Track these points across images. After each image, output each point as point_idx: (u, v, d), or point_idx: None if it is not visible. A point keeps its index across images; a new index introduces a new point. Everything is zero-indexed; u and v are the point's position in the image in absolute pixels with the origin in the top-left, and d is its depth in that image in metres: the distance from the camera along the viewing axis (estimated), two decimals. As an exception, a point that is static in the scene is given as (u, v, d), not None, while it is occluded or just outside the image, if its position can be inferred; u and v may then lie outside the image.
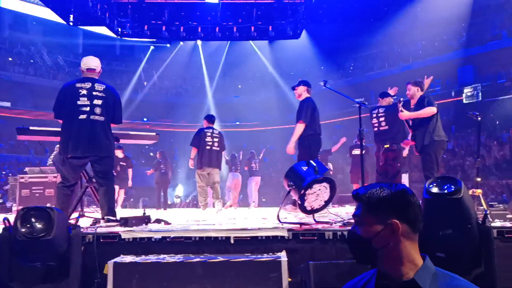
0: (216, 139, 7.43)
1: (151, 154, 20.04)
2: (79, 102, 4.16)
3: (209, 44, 23.28)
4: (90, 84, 4.28)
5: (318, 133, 5.75)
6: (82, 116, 4.15)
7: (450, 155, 16.89)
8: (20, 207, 3.78)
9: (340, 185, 17.83)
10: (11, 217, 2.95)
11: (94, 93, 4.24)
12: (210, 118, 7.73)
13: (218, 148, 7.46)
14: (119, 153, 9.76)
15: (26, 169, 8.45)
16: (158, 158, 11.21)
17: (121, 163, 10.04)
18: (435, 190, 2.67)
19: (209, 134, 7.44)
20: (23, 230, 2.68)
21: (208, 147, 7.33)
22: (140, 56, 26.18)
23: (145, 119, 25.38)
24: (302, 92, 5.85)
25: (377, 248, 1.43)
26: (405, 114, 5.21)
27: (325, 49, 22.57)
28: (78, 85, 4.26)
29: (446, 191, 2.63)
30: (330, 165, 11.99)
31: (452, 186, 2.60)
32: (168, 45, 24.58)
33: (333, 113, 22.57)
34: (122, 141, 4.84)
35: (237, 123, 25.78)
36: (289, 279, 3.04)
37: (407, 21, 20.15)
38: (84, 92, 4.22)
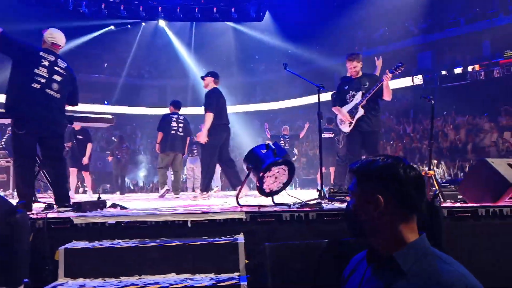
0: (181, 125, 7.72)
1: (114, 138, 19.52)
2: (36, 71, 3.90)
3: (173, 26, 22.74)
4: (54, 58, 4.06)
5: (224, 123, 6.01)
6: (36, 85, 3.89)
7: (409, 139, 17.43)
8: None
9: (304, 168, 18.11)
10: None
11: (55, 68, 4.04)
12: (176, 104, 7.97)
13: (182, 134, 7.69)
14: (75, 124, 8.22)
15: (-22, 153, 8.04)
16: (116, 143, 10.96)
17: (78, 136, 8.16)
18: None
19: (174, 119, 7.67)
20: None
21: (173, 132, 7.56)
22: (99, 36, 25.23)
23: (105, 102, 24.61)
24: (209, 82, 6.16)
25: (362, 222, 1.40)
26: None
27: (290, 34, 22.54)
28: (42, 54, 4.01)
29: None
30: (295, 150, 12.12)
31: None
32: (128, 26, 23.79)
33: (297, 98, 22.74)
34: (75, 123, 4.65)
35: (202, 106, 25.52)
36: (246, 261, 3.05)
37: (371, 7, 20.44)
38: (46, 63, 3.98)
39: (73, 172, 7.93)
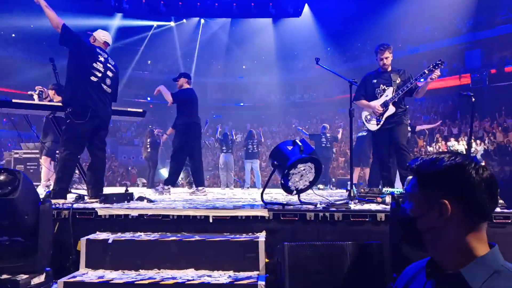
0: None
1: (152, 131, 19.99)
2: (94, 65, 4.13)
3: (212, 23, 22.93)
4: (106, 55, 4.33)
5: (194, 121, 6.18)
6: (94, 79, 4.10)
7: (455, 139, 16.67)
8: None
9: (343, 168, 17.71)
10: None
11: (108, 64, 4.28)
12: None
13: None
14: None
15: (21, 144, 8.39)
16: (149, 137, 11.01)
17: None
18: None
19: None
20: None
21: None
22: (143, 35, 25.83)
23: (148, 98, 25.20)
24: (183, 83, 6.34)
25: (422, 231, 1.20)
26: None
27: (331, 31, 22.15)
28: (98, 50, 4.27)
29: None
30: (334, 149, 11.84)
31: None
32: (172, 23, 24.22)
33: (337, 97, 22.33)
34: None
35: (241, 104, 25.58)
36: (266, 260, 2.96)
37: (416, 3, 19.71)
38: (102, 59, 4.22)
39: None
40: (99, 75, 4.13)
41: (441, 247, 1.17)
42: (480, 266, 1.11)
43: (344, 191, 8.39)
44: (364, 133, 8.55)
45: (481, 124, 16.57)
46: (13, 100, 4.34)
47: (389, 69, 4.86)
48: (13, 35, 22.89)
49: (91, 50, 4.18)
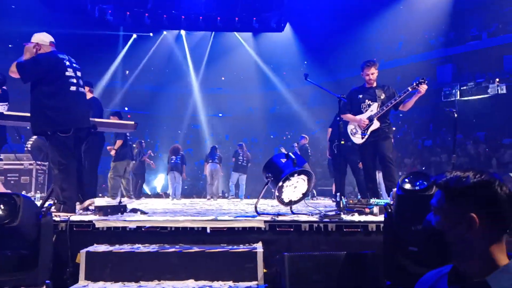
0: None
1: (134, 145, 19.79)
2: (67, 73, 3.93)
3: (192, 35, 23.03)
4: (67, 56, 4.08)
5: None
6: (73, 88, 3.95)
7: (428, 152, 17.19)
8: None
9: (320, 178, 17.98)
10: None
11: (74, 65, 4.08)
12: (119, 115, 7.81)
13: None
14: None
15: (1, 155, 8.22)
16: (136, 148, 11.01)
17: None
18: (407, 186, 2.69)
19: None
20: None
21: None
22: (122, 44, 25.64)
23: (126, 108, 24.94)
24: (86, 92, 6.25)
25: (450, 242, 1.30)
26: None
27: (309, 45, 22.57)
28: (60, 56, 4.00)
29: (418, 187, 2.64)
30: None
31: (425, 182, 2.62)
32: (151, 34, 24.17)
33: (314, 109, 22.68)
34: (100, 129, 4.74)
35: (220, 115, 25.64)
36: (264, 270, 3.05)
37: (390, 19, 20.35)
38: (68, 63, 4.00)
39: None
40: (74, 81, 3.99)
41: (468, 257, 1.27)
42: (504, 274, 1.21)
43: (326, 201, 8.59)
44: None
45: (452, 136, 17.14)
46: (5, 113, 4.32)
47: (374, 84, 5.04)
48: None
49: (57, 60, 3.93)
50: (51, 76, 3.84)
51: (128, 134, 7.98)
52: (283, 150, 11.65)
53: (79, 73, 4.10)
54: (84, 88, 4.19)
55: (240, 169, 11.49)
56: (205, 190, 12.15)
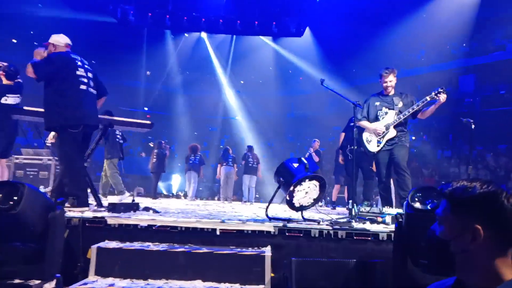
0: (120, 132, 8.12)
1: (151, 144, 20.00)
2: (78, 72, 4.07)
3: (212, 38, 23.20)
4: (79, 57, 4.23)
5: None
6: (83, 87, 4.09)
7: (447, 163, 16.91)
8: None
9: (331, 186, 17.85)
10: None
11: (85, 65, 4.22)
12: (110, 113, 7.77)
13: (121, 141, 8.15)
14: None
15: (22, 150, 8.43)
16: (156, 148, 11.06)
17: None
18: (417, 205, 2.63)
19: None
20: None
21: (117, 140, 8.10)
22: (143, 45, 26.01)
23: (145, 108, 25.23)
24: None
25: (454, 253, 1.27)
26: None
27: (328, 50, 22.51)
28: (73, 55, 4.16)
29: (429, 207, 2.58)
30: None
31: (435, 201, 2.57)
32: (172, 36, 24.46)
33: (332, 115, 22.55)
34: (115, 127, 4.81)
35: (237, 117, 25.72)
36: (272, 274, 3.04)
37: (412, 26, 20.13)
38: (79, 63, 4.15)
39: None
40: (85, 80, 4.12)
41: (471, 270, 1.24)
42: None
43: (330, 208, 8.50)
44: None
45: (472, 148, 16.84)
46: (24, 108, 4.43)
47: (392, 92, 4.98)
48: None
49: (68, 60, 4.08)
50: (62, 74, 3.99)
51: (118, 133, 7.84)
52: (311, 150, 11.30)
53: (90, 74, 4.24)
54: (94, 90, 4.26)
55: (251, 171, 11.46)
56: (219, 193, 12.19)
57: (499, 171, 14.89)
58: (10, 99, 5.27)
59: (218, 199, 12.11)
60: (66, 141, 4.01)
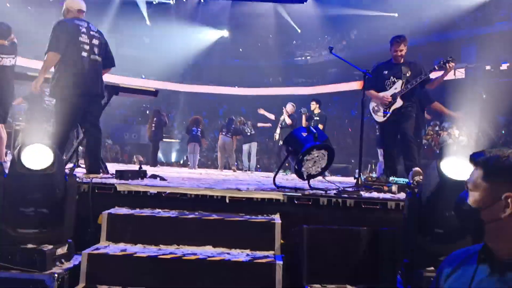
0: None
1: (147, 112, 19.94)
2: (80, 39, 4.02)
3: (211, 4, 22.77)
4: (86, 24, 4.16)
5: None
6: (84, 54, 4.03)
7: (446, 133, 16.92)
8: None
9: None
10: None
11: (91, 32, 4.14)
12: None
13: None
14: None
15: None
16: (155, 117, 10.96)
17: None
18: (449, 173, 2.58)
19: None
20: (25, 163, 2.65)
21: None
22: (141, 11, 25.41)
23: (143, 76, 24.94)
24: None
25: (484, 221, 1.29)
26: None
27: (330, 18, 22.14)
28: (77, 22, 4.10)
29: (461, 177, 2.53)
30: None
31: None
32: (172, 1, 23.92)
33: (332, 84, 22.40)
34: (120, 94, 4.76)
35: (236, 87, 25.48)
36: (282, 241, 3.08)
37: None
38: (84, 30, 4.08)
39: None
40: (88, 48, 4.06)
41: (500, 237, 1.26)
42: None
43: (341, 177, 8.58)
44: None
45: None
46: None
47: (402, 61, 4.90)
48: None
49: (72, 26, 4.04)
50: (64, 41, 3.95)
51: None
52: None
53: (96, 41, 4.15)
54: (99, 57, 4.18)
55: (250, 139, 11.30)
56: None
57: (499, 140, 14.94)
58: (5, 60, 4.96)
59: (217, 168, 12.11)
60: (61, 109, 4.00)
